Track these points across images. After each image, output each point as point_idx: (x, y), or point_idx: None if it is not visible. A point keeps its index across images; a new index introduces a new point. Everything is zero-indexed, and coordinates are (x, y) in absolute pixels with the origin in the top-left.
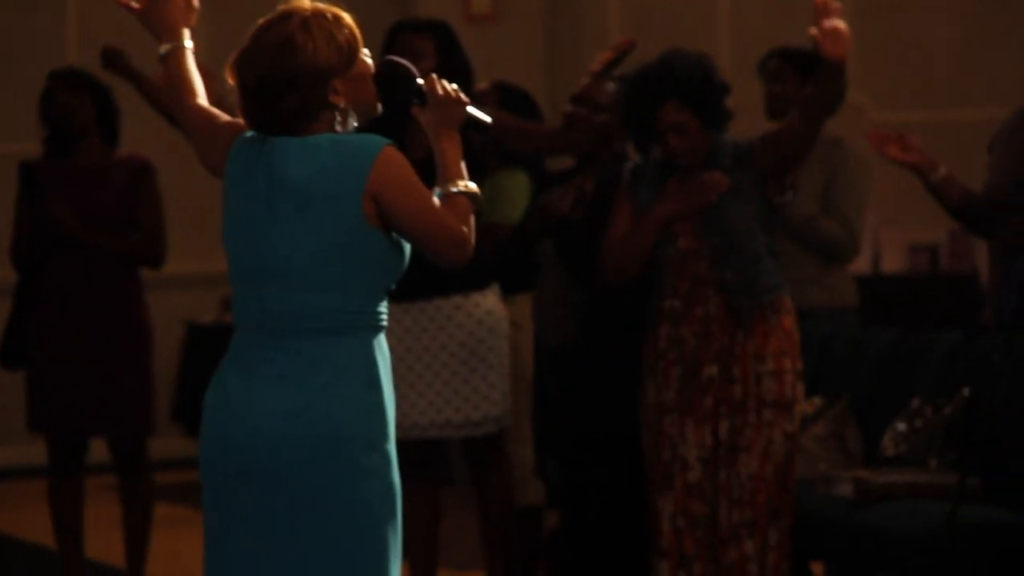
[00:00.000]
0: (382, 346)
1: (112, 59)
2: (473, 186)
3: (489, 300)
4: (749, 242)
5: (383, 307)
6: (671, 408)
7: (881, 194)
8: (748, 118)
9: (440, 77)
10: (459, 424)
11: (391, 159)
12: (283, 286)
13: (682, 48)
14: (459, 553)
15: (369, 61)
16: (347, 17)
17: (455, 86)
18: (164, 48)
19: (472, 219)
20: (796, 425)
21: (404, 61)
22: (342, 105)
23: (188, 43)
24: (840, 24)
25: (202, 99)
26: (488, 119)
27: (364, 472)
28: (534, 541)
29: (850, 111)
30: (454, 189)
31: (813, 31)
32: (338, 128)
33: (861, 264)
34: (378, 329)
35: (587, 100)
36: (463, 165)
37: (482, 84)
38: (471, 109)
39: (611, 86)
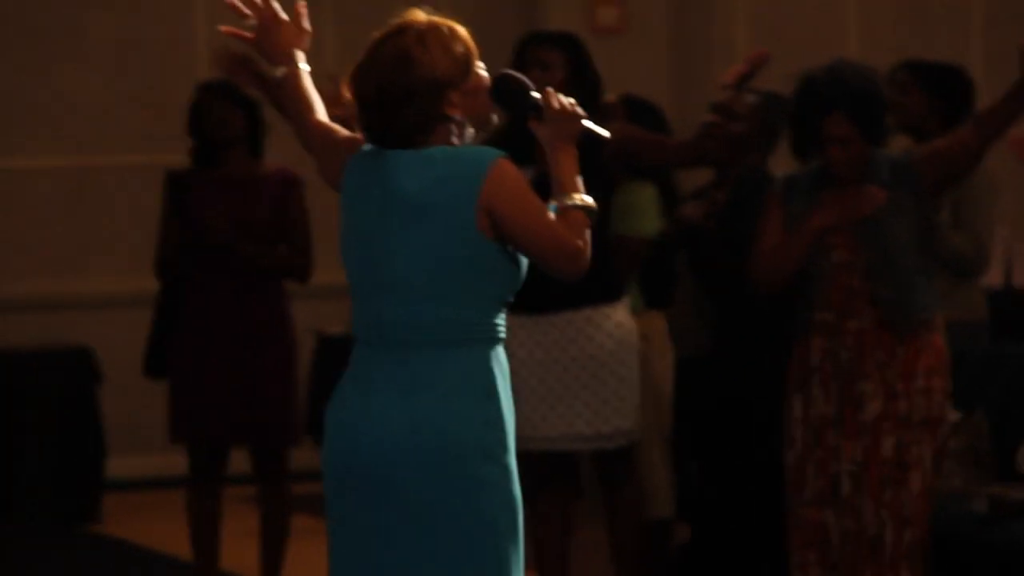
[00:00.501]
0: (500, 358)
1: (237, 67)
2: (589, 199)
3: (619, 313)
4: (904, 258)
5: (500, 319)
6: (829, 422)
7: (1014, 207)
8: None
9: (570, 89)
10: (589, 437)
11: (504, 171)
12: (399, 298)
13: (850, 60)
14: (590, 566)
15: (484, 74)
16: (462, 30)
17: (571, 100)
18: (280, 71)
19: (588, 233)
20: (938, 445)
21: (519, 75)
22: (458, 117)
23: (303, 64)
24: None
25: (322, 115)
26: (606, 133)
27: (482, 484)
28: (665, 554)
29: None
30: (569, 202)
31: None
32: (455, 140)
33: (993, 278)
34: (496, 341)
35: (725, 110)
36: (579, 178)
37: (609, 97)
38: (587, 123)
39: (752, 98)
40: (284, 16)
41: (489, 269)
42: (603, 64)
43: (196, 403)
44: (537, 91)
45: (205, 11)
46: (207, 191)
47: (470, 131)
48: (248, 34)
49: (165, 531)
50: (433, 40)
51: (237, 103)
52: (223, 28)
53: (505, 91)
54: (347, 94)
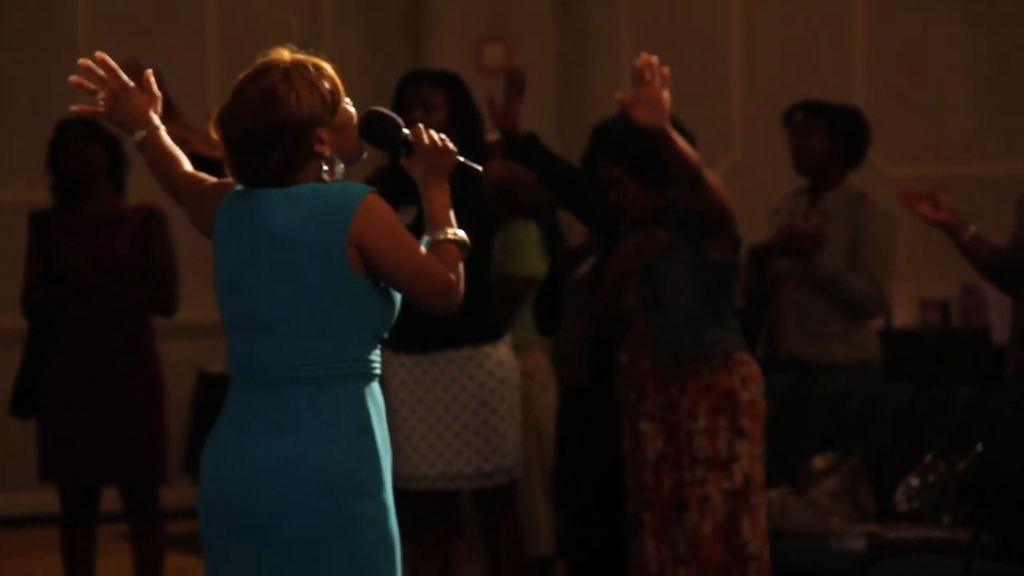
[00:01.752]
0: (375, 393)
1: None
2: (461, 233)
3: (501, 351)
4: (676, 299)
5: (375, 355)
6: (625, 460)
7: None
8: (762, 170)
9: (451, 128)
10: (470, 476)
11: (373, 207)
12: (271, 336)
13: None
14: None
15: (352, 109)
16: (328, 67)
17: (442, 135)
18: (139, 135)
19: (461, 267)
20: (737, 482)
21: (387, 112)
22: (327, 154)
23: (158, 122)
24: (659, 92)
25: (187, 167)
26: (478, 167)
27: (357, 520)
28: None
29: (864, 166)
30: (442, 236)
31: (624, 97)
32: (325, 177)
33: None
34: (370, 376)
35: None
36: (451, 213)
37: (491, 135)
38: (459, 157)
39: None
40: (131, 83)
41: (361, 305)
42: (488, 103)
43: (63, 444)
44: (407, 127)
45: (87, 47)
46: (68, 229)
47: (340, 167)
48: (100, 108)
49: (40, 569)
50: (298, 78)
51: (97, 140)
52: (75, 108)
53: (373, 128)
54: (215, 136)
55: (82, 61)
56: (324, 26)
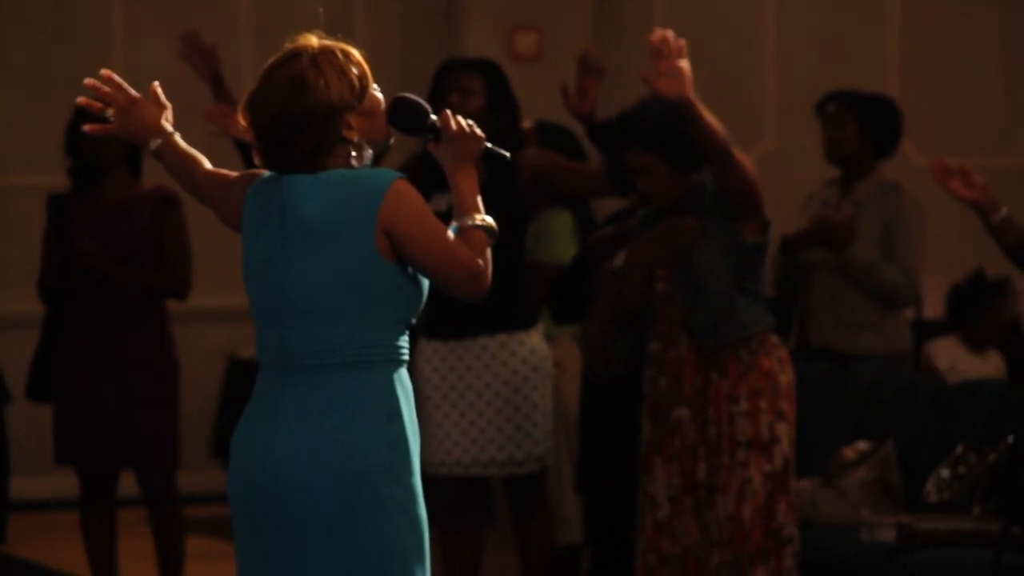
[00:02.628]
0: (403, 380)
1: (195, 54)
2: (489, 219)
3: (534, 339)
4: (715, 283)
5: (403, 341)
6: (651, 448)
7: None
8: (794, 158)
9: (489, 115)
10: (502, 462)
11: (402, 192)
12: (301, 322)
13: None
14: None
15: (380, 95)
16: (356, 53)
17: (470, 121)
18: (154, 144)
19: (488, 252)
20: (777, 465)
21: (416, 98)
22: (355, 139)
23: (171, 129)
24: (680, 63)
25: (207, 165)
26: (506, 153)
27: (387, 506)
28: None
29: (896, 156)
30: (470, 222)
31: (646, 74)
32: (354, 163)
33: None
34: (398, 363)
35: None
36: (479, 199)
37: (526, 123)
38: (487, 144)
39: None
40: (138, 95)
41: (390, 291)
42: (521, 91)
43: (78, 429)
44: (435, 113)
45: (123, 35)
46: (84, 214)
47: (369, 152)
48: (110, 125)
49: (61, 552)
50: (326, 64)
51: None
52: (86, 127)
53: (401, 113)
54: (243, 122)
55: (88, 81)
56: (357, 15)
